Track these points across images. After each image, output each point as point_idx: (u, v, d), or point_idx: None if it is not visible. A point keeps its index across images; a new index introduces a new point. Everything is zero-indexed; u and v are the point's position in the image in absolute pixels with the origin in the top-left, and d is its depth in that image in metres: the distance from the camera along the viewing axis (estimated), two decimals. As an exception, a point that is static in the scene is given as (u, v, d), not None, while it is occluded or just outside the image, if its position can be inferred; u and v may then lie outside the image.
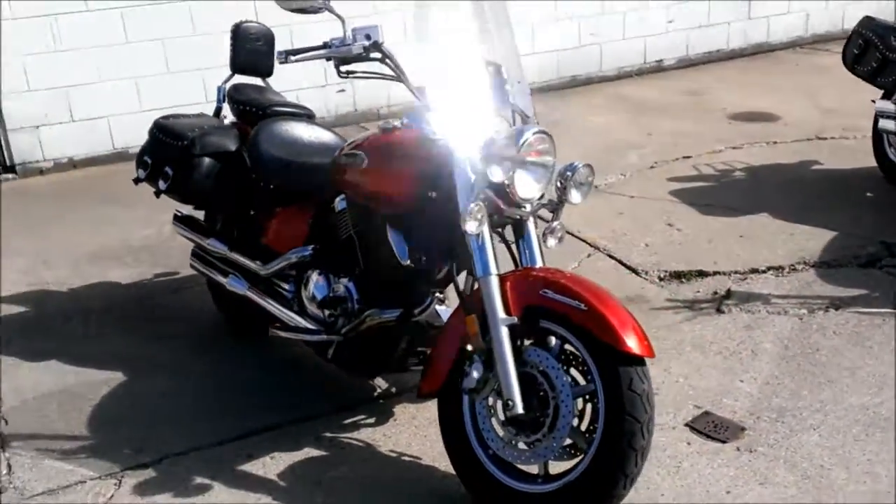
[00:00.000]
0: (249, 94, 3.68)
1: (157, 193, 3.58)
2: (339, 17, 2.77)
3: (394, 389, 3.28)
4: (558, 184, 2.71)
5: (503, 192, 2.59)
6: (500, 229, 2.81)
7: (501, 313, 2.50)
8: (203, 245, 3.53)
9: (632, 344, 2.39)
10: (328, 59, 2.75)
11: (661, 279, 4.09)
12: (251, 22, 3.75)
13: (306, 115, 3.61)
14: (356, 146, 2.94)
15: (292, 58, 2.71)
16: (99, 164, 6.18)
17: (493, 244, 2.59)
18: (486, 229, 2.56)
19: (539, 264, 2.71)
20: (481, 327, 2.52)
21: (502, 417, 2.53)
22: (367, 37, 2.70)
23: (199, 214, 3.80)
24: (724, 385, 3.23)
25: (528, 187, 2.62)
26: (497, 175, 2.51)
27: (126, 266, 4.47)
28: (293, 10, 2.77)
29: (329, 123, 6.71)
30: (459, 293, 2.68)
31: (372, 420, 3.11)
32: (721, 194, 4.99)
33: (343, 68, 2.75)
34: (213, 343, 3.67)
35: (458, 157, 2.58)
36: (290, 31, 5.40)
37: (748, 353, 3.43)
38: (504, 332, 2.49)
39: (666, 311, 3.81)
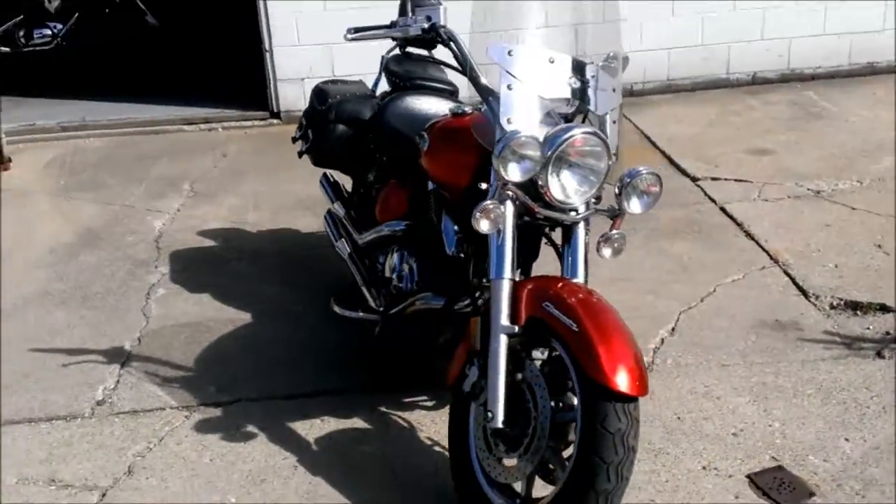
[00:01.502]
0: (404, 65, 3.70)
1: (300, 154, 3.77)
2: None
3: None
4: (616, 190, 2.48)
5: (537, 192, 2.43)
6: (547, 230, 2.64)
7: (504, 320, 2.36)
8: (330, 207, 3.68)
9: (616, 378, 2.14)
10: (393, 39, 2.72)
11: (832, 307, 3.57)
12: (419, -7, 3.77)
13: (448, 91, 3.59)
14: (427, 127, 2.89)
15: (349, 35, 2.72)
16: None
17: (514, 246, 2.43)
18: (508, 230, 2.42)
19: (580, 275, 2.50)
20: (483, 331, 2.41)
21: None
22: (428, 18, 2.62)
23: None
24: (823, 440, 2.78)
25: (568, 190, 2.42)
26: (513, 174, 2.35)
27: (316, 216, 4.75)
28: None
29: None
30: (473, 292, 2.56)
31: (431, 403, 3.09)
32: (965, 218, 4.20)
33: (410, 50, 2.70)
34: (339, 299, 3.81)
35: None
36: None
37: (876, 409, 2.91)
38: (502, 340, 2.35)
39: (815, 344, 3.32)
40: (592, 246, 2.57)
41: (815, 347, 3.30)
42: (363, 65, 6.31)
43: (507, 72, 2.44)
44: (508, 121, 2.40)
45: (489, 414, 2.31)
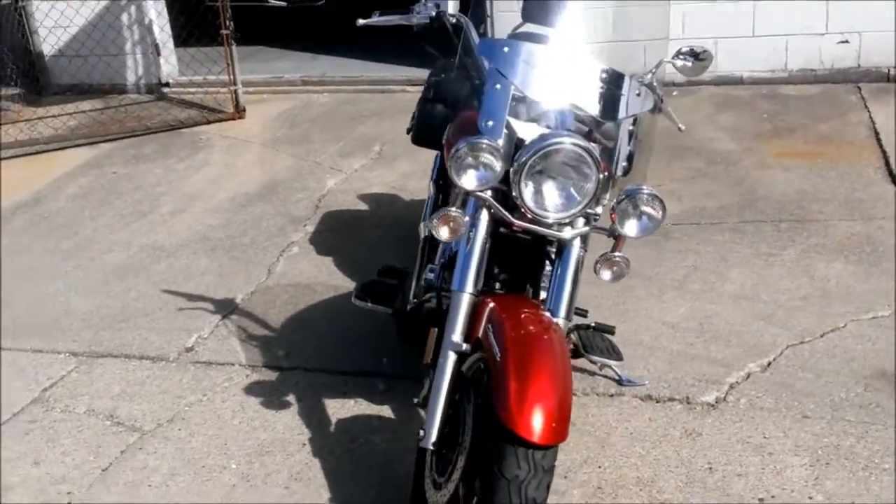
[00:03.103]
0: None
1: (407, 131, 3.74)
2: (426, -17, 2.55)
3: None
4: (611, 209, 2.23)
5: (513, 203, 2.24)
6: (546, 246, 2.42)
7: (456, 336, 2.23)
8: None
9: (520, 419, 1.94)
10: (404, 26, 2.60)
11: (982, 366, 2.94)
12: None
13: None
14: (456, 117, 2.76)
15: (361, 21, 2.63)
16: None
17: (482, 258, 2.27)
18: (478, 240, 2.26)
19: (563, 298, 2.26)
20: (437, 345, 2.28)
21: (430, 445, 2.28)
22: (436, 5, 2.48)
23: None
24: (864, 529, 2.33)
25: (546, 203, 2.21)
26: (467, 182, 2.18)
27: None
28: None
29: (819, 78, 5.89)
30: (439, 301, 2.42)
31: (465, 403, 2.98)
32: None
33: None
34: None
35: None
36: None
37: (956, 506, 2.37)
38: (450, 357, 2.22)
39: (930, 408, 2.77)
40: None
41: (923, 412, 2.75)
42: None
43: (497, 70, 2.26)
44: (488, 124, 2.23)
45: (421, 431, 2.20)
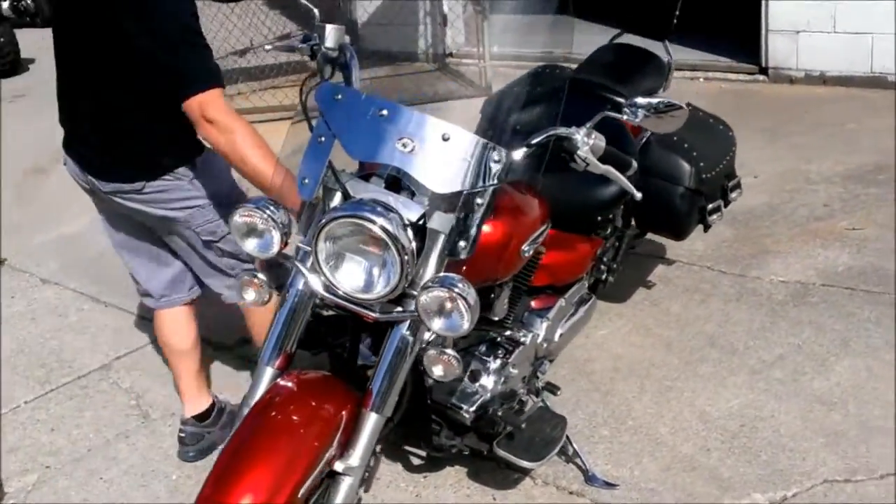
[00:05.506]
0: (603, 57, 3.12)
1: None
2: (307, 5, 2.25)
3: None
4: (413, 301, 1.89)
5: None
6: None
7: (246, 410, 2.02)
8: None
9: None
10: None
11: None
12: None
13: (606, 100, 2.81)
14: None
15: (267, 46, 2.41)
16: (850, 86, 5.40)
17: (287, 328, 2.01)
18: (285, 310, 2.02)
19: (376, 388, 1.94)
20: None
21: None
22: (310, 37, 2.20)
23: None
24: None
25: (344, 279, 1.92)
26: (249, 246, 1.98)
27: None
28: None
29: None
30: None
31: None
32: None
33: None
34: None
35: None
36: None
37: None
38: (240, 427, 2.03)
39: None
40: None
41: None
42: (869, 23, 5.11)
43: (324, 121, 1.98)
44: (304, 182, 1.97)
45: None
